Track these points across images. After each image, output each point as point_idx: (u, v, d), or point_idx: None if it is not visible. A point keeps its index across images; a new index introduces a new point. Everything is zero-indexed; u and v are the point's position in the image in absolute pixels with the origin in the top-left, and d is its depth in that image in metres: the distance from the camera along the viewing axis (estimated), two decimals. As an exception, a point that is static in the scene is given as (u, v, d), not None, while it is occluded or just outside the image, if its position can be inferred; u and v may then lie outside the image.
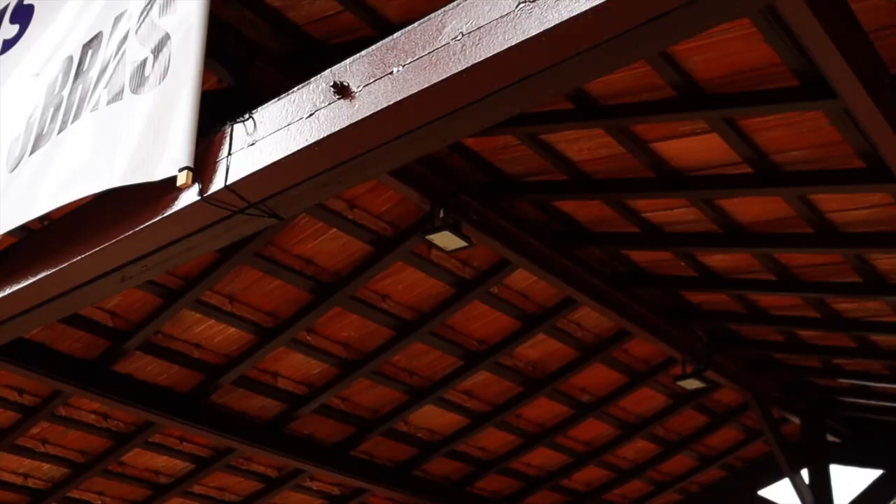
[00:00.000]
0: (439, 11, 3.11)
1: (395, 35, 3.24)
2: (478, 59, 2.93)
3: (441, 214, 8.01)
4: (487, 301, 9.95)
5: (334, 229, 8.66)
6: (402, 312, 9.86)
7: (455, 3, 3.06)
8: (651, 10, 2.67)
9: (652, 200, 8.17)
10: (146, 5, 4.36)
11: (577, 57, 2.81)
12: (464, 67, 2.97)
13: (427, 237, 8.13)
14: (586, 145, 7.49)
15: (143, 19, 4.32)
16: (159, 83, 4.13)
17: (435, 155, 7.66)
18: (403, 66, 3.14)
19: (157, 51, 4.20)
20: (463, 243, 8.15)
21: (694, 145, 7.15)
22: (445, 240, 8.12)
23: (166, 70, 4.12)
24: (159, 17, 4.25)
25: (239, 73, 6.77)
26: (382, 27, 6.47)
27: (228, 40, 6.69)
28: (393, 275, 9.36)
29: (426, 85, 3.07)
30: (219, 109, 5.02)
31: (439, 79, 3.04)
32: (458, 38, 3.02)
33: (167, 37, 4.19)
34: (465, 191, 8.19)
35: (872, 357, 10.79)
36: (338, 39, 6.78)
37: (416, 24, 3.17)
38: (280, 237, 8.61)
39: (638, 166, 7.56)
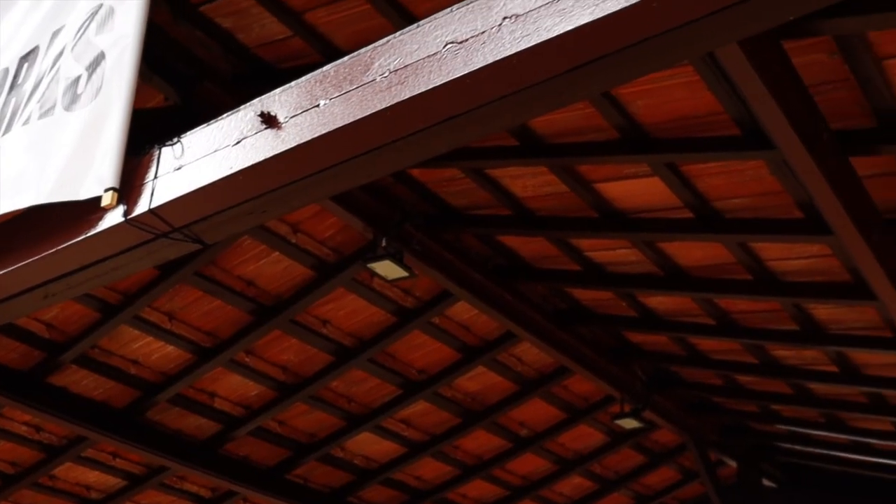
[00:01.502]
0: (369, 47, 3.11)
1: (325, 68, 3.23)
2: (403, 98, 2.92)
3: (383, 243, 8.00)
4: (429, 331, 9.93)
5: (277, 252, 8.61)
6: (343, 338, 9.82)
7: (385, 40, 3.06)
8: (575, 58, 2.68)
9: (594, 240, 8.18)
10: (84, 22, 4.32)
11: (500, 101, 2.81)
12: (388, 105, 2.96)
13: (368, 265, 8.12)
14: (530, 182, 7.51)
15: (80, 36, 4.29)
16: (91, 101, 4.09)
17: (380, 184, 7.66)
18: (330, 100, 3.13)
19: (91, 69, 4.17)
20: (404, 273, 8.14)
21: (637, 187, 7.18)
22: (387, 269, 8.11)
23: (99, 89, 4.08)
24: (96, 34, 4.22)
25: (186, 91, 6.76)
26: (332, 54, 6.46)
27: (177, 59, 6.67)
28: (334, 300, 9.32)
29: (351, 120, 3.06)
30: (162, 128, 4.99)
31: (364, 114, 3.03)
32: (386, 75, 3.01)
33: (102, 55, 4.16)
34: (409, 221, 8.18)
35: (809, 405, 10.87)
36: (287, 64, 6.77)
37: (345, 59, 3.16)
38: (222, 258, 8.56)
39: (581, 205, 7.58)
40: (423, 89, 2.89)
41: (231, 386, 10.21)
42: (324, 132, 3.13)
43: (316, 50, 6.49)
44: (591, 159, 6.83)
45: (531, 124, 6.56)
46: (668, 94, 6.06)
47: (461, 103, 2.89)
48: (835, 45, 5.25)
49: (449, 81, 2.84)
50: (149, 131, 4.22)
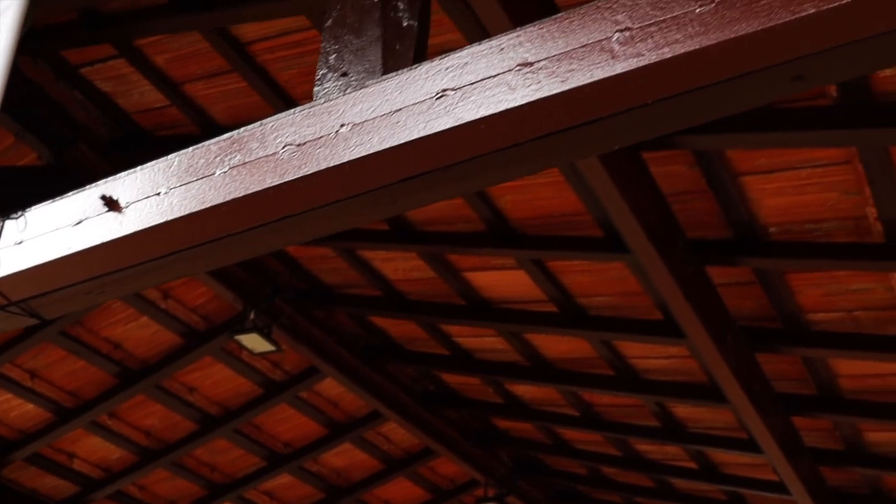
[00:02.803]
0: (214, 140, 3.14)
1: (171, 156, 3.25)
2: (238, 195, 2.95)
3: (252, 316, 7.99)
4: (296, 405, 9.90)
5: (146, 317, 8.53)
6: (209, 407, 9.73)
7: (228, 135, 3.09)
8: (405, 170, 2.74)
9: (462, 327, 8.25)
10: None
11: (332, 206, 2.86)
12: (224, 200, 2.98)
13: (236, 337, 8.10)
14: (401, 266, 7.57)
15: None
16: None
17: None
18: (171, 189, 3.15)
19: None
20: (271, 347, 8.13)
21: (503, 279, 7.28)
22: (254, 342, 8.09)
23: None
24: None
25: (60, 152, 6.72)
26: (208, 126, 6.50)
27: (54, 119, 6.64)
28: (202, 368, 9.25)
29: (189, 211, 3.07)
30: (34, 186, 4.94)
31: (202, 207, 3.05)
32: (226, 170, 3.04)
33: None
34: (280, 295, 8.18)
35: (671, 499, 10.99)
36: (164, 132, 6.78)
37: (189, 149, 3.18)
38: (90, 319, 8.45)
39: (449, 292, 7.66)
40: (257, 188, 2.92)
41: (91, 448, 10.03)
42: (162, 221, 3.14)
43: (192, 121, 6.52)
44: (459, 249, 6.90)
45: (403, 209, 6.62)
46: (535, 191, 6.17)
47: (294, 205, 2.92)
48: (694, 158, 5.41)
49: (283, 183, 2.88)
50: (19, 188, 4.19)
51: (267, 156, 2.97)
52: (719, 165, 5.40)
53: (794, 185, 5.46)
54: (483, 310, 7.74)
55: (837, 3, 2.30)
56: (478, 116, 2.63)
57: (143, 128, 6.78)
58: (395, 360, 9.21)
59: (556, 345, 8.12)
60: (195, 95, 6.36)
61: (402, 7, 3.18)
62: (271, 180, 2.92)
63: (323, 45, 3.21)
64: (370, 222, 3.41)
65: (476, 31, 4.72)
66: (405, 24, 3.14)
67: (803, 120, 4.82)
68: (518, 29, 2.70)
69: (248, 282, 8.01)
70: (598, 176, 4.94)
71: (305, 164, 2.87)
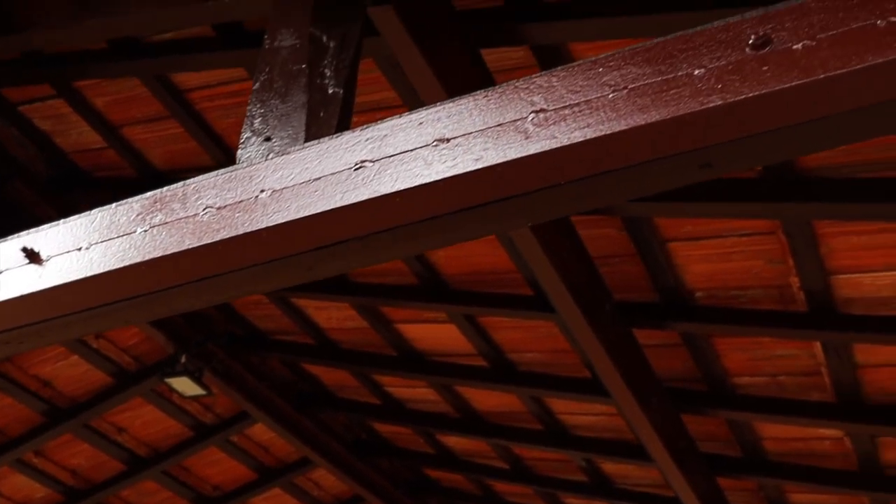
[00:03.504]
0: (137, 197, 3.15)
1: (94, 212, 3.26)
2: (156, 255, 2.96)
3: (183, 360, 7.98)
4: (226, 449, 9.85)
5: (77, 356, 8.46)
6: (137, 448, 9.65)
7: (151, 194, 3.11)
8: (322, 238, 2.78)
9: (394, 377, 8.28)
10: None
11: (250, 269, 2.89)
12: (143, 259, 3.00)
13: (166, 380, 8.08)
14: (335, 314, 7.59)
15: None
16: None
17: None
18: (92, 245, 3.16)
19: None
20: (201, 391, 8.11)
21: (435, 332, 7.32)
22: (184, 385, 8.07)
23: None
24: None
25: (-5, 188, 6.70)
26: (145, 169, 6.50)
27: (-10, 154, 6.62)
28: (132, 409, 9.18)
29: (108, 268, 3.09)
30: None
31: (121, 265, 3.06)
32: (147, 229, 3.06)
33: None
34: (213, 340, 8.17)
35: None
36: (102, 173, 6.78)
37: (113, 206, 3.20)
38: (20, 356, 8.37)
39: (382, 343, 7.69)
40: (175, 249, 2.94)
41: (16, 486, 9.89)
42: (83, 276, 3.15)
43: (130, 164, 6.52)
44: (391, 302, 6.94)
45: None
46: (469, 248, 6.23)
47: (211, 267, 2.95)
48: (622, 223, 5.49)
49: (201, 245, 2.90)
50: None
51: (187, 217, 2.99)
52: (647, 231, 5.48)
53: (719, 253, 5.55)
54: (414, 361, 7.77)
55: (743, 97, 2.37)
56: (393, 190, 2.67)
57: (81, 168, 6.78)
58: (328, 408, 9.21)
59: (486, 398, 8.15)
60: (133, 139, 6.36)
61: (328, 74, 3.23)
62: (190, 242, 2.95)
63: (249, 108, 3.25)
64: (288, 286, 3.43)
65: (411, 93, 4.78)
66: (331, 91, 3.19)
67: (729, 191, 4.92)
68: (438, 104, 2.75)
69: (181, 325, 8.00)
70: (525, 237, 5.00)
71: (224, 227, 2.90)
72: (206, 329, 8.14)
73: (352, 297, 7.06)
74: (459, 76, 4.24)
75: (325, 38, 3.34)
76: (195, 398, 8.45)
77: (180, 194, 3.06)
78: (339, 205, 2.75)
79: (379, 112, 5.28)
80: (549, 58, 4.52)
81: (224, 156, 6.02)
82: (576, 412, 7.89)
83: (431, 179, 2.63)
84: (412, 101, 4.92)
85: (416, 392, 8.46)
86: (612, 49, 4.34)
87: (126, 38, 5.43)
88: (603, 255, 5.76)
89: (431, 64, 4.08)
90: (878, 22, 2.34)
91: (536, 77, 2.63)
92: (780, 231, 5.17)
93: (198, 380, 7.99)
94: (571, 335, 6.48)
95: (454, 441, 9.29)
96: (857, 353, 6.07)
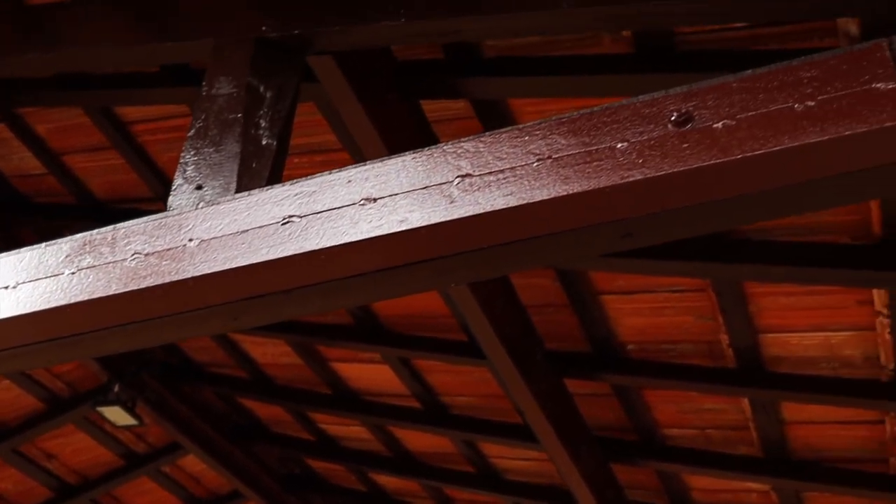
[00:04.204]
0: (67, 238, 3.16)
1: (23, 250, 3.25)
2: (82, 298, 2.97)
3: (116, 389, 7.94)
4: (157, 479, 9.79)
5: (8, 380, 8.39)
6: (67, 475, 9.57)
7: (81, 235, 3.12)
8: (249, 290, 2.81)
9: (328, 415, 8.28)
10: None
11: (176, 316, 2.91)
12: (69, 302, 3.01)
13: (98, 408, 8.03)
14: (270, 350, 7.59)
15: None
16: None
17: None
18: (19, 284, 3.16)
19: None
20: (133, 421, 8.08)
21: (369, 372, 7.34)
22: (116, 415, 8.04)
23: None
24: None
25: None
26: (85, 198, 6.49)
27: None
28: (63, 436, 9.11)
29: (35, 308, 3.09)
30: None
31: (48, 306, 3.07)
32: (74, 271, 3.06)
33: None
34: (147, 370, 8.14)
35: None
36: (42, 199, 6.76)
37: (43, 245, 3.19)
38: (-51, 379, 8.31)
39: (316, 380, 7.69)
40: (101, 294, 2.95)
41: (-59, 510, 9.80)
42: (9, 315, 3.14)
43: (70, 191, 6.51)
44: (327, 341, 6.96)
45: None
46: (404, 290, 6.24)
47: (136, 313, 2.96)
48: (556, 273, 5.54)
49: (127, 291, 2.92)
50: None
51: (115, 261, 3.00)
52: (581, 283, 5.54)
53: (651, 308, 5.62)
54: (349, 400, 7.78)
55: (663, 173, 2.43)
56: (319, 247, 2.70)
57: (22, 192, 6.76)
58: (261, 441, 9.18)
59: (419, 439, 8.17)
60: (74, 167, 6.36)
61: (263, 125, 3.26)
62: (116, 287, 2.96)
63: (182, 154, 3.26)
64: (215, 333, 3.45)
65: (350, 138, 4.81)
66: (264, 142, 3.22)
67: (661, 249, 4.97)
68: (368, 163, 2.78)
69: (116, 354, 7.95)
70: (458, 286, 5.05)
71: (151, 274, 2.91)
72: (140, 358, 8.11)
73: (287, 334, 7.07)
74: (397, 126, 4.29)
75: (262, 88, 3.36)
76: (126, 427, 8.39)
77: (110, 238, 3.07)
78: (265, 258, 2.77)
79: (319, 155, 5.32)
80: (489, 111, 4.57)
81: (163, 188, 6.02)
82: (508, 456, 7.92)
83: (356, 238, 2.66)
84: (352, 145, 4.96)
85: (350, 430, 8.47)
86: (552, 106, 4.45)
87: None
88: (536, 304, 5.81)
89: (369, 113, 4.13)
90: (796, 106, 2.41)
91: (464, 141, 2.67)
92: (710, 289, 5.25)
93: (130, 410, 7.95)
94: (503, 382, 6.52)
95: (386, 480, 9.28)
96: (783, 410, 6.15)
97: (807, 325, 5.42)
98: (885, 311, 5.01)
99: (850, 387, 5.65)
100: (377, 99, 4.18)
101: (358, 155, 4.76)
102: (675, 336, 5.80)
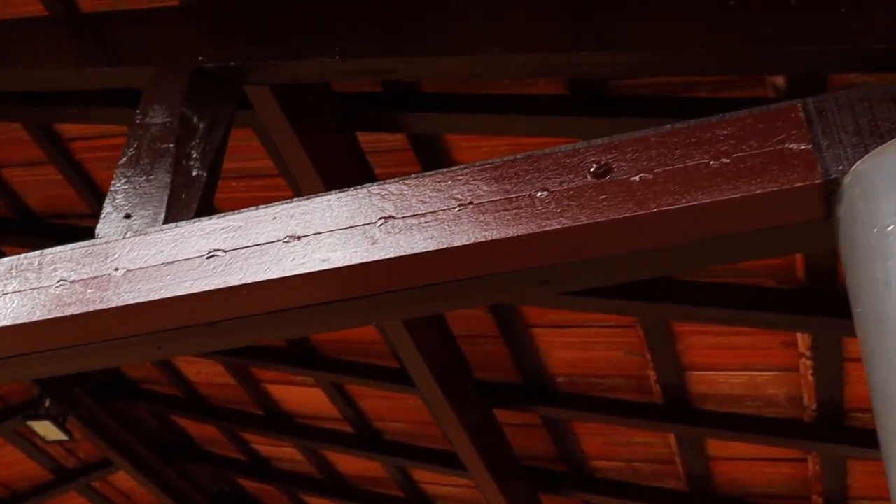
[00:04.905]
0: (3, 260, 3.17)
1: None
2: (8, 322, 2.97)
3: (47, 404, 7.89)
4: (87, 494, 9.73)
5: (-62, 392, 8.34)
6: (-5, 488, 9.50)
7: (9, 261, 3.13)
8: (170, 322, 2.84)
9: (260, 436, 8.28)
10: None
11: (100, 343, 2.93)
12: (-3, 327, 3.03)
13: (28, 423, 7.98)
14: (204, 370, 7.58)
15: None
16: None
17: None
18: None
19: None
20: (63, 437, 8.05)
21: (303, 395, 7.35)
22: (46, 430, 8.00)
23: None
24: None
25: None
26: (22, 211, 6.47)
27: None
28: (-8, 449, 9.05)
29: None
30: None
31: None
32: (1, 296, 3.08)
33: None
34: (80, 385, 8.10)
35: None
36: (-22, 214, 6.72)
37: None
38: None
39: (249, 401, 7.69)
40: (25, 320, 2.94)
41: None
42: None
43: (6, 204, 6.48)
44: (260, 363, 6.96)
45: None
46: (339, 315, 6.27)
47: (60, 339, 2.97)
48: (487, 305, 5.60)
49: (51, 318, 2.93)
50: None
51: (41, 287, 3.02)
52: (512, 315, 5.60)
53: (581, 342, 5.69)
54: (281, 422, 7.79)
55: (580, 223, 2.49)
56: (241, 282, 2.73)
57: (-43, 205, 6.72)
58: (193, 460, 9.16)
59: (351, 462, 8.18)
60: (12, 180, 6.33)
61: (194, 156, 3.28)
62: (41, 314, 2.97)
63: (113, 182, 3.29)
64: (138, 361, 3.47)
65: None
66: (195, 173, 3.25)
67: (591, 287, 5.04)
68: (294, 200, 2.82)
69: (47, 370, 7.91)
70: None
71: (76, 302, 2.93)
72: (74, 374, 8.04)
73: (222, 355, 7.06)
74: (332, 156, 4.33)
75: (195, 119, 3.39)
76: (57, 442, 8.35)
77: (36, 264, 3.08)
78: (188, 291, 2.80)
79: (257, 179, 5.35)
80: (425, 144, 4.62)
81: (100, 206, 6.00)
82: (439, 483, 7.95)
83: (279, 276, 2.70)
84: (288, 172, 4.98)
85: (283, 451, 8.47)
86: (487, 142, 4.51)
87: (10, 86, 5.42)
88: (468, 334, 5.86)
89: (304, 143, 4.16)
90: (711, 162, 2.48)
91: (389, 183, 2.72)
92: (639, 326, 5.32)
93: (60, 425, 7.92)
94: (432, 411, 6.57)
95: (317, 502, 9.27)
96: (709, 446, 6.24)
97: (733, 364, 5.51)
98: (808, 353, 5.12)
99: (774, 426, 5.76)
100: (313, 129, 4.21)
101: (294, 183, 4.79)
102: (604, 370, 5.88)
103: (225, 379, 7.55)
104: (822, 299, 4.67)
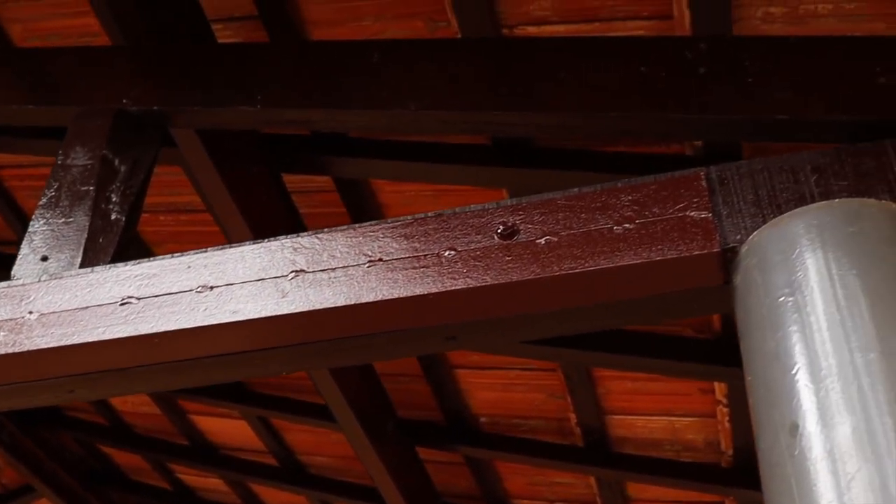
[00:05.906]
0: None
1: None
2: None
3: (-31, 429, 7.82)
4: (8, 519, 9.63)
5: None
6: (-86, 513, 9.38)
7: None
8: (93, 365, 2.86)
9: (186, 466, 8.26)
10: None
11: (39, 382, 2.94)
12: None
13: (-51, 448, 7.89)
14: (130, 399, 7.55)
15: None
16: None
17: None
18: None
19: None
20: (-15, 463, 7.95)
21: (228, 427, 7.35)
22: (-32, 455, 7.91)
23: None
24: None
25: None
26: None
27: None
28: (-87, 473, 8.95)
29: None
30: None
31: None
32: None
33: None
34: (3, 412, 8.03)
35: None
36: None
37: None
38: None
39: (175, 431, 7.67)
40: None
41: None
42: None
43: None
44: (185, 395, 6.96)
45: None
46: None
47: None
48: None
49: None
50: None
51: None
52: (436, 355, 5.65)
53: (503, 383, 5.75)
54: (207, 453, 7.77)
55: (485, 284, 2.54)
56: (153, 331, 2.76)
57: None
58: (118, 488, 9.10)
59: (276, 495, 8.17)
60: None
61: (114, 200, 3.31)
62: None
63: (32, 223, 3.30)
64: (51, 404, 3.48)
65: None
66: (113, 217, 3.27)
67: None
68: (208, 250, 2.85)
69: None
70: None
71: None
72: (-2, 400, 7.99)
73: (146, 385, 7.05)
74: (256, 197, 4.37)
75: (117, 162, 3.42)
76: (-21, 469, 8.29)
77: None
78: (100, 338, 2.82)
79: (185, 214, 5.36)
80: (350, 186, 4.67)
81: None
82: (367, 519, 7.97)
83: (189, 325, 2.73)
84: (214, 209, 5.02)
85: (208, 482, 8.44)
86: (411, 187, 4.56)
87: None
88: (390, 373, 5.91)
89: (228, 183, 4.18)
90: (615, 227, 2.55)
91: (302, 237, 2.76)
92: (560, 370, 5.40)
93: (-18, 451, 7.84)
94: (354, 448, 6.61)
95: (244, 534, 9.26)
96: (629, 488, 6.32)
97: (652, 409, 5.60)
98: (724, 400, 5.22)
99: (692, 470, 5.84)
100: (238, 171, 4.25)
101: (220, 220, 4.82)
102: (526, 412, 5.94)
103: (151, 409, 7.52)
104: (737, 350, 4.75)
